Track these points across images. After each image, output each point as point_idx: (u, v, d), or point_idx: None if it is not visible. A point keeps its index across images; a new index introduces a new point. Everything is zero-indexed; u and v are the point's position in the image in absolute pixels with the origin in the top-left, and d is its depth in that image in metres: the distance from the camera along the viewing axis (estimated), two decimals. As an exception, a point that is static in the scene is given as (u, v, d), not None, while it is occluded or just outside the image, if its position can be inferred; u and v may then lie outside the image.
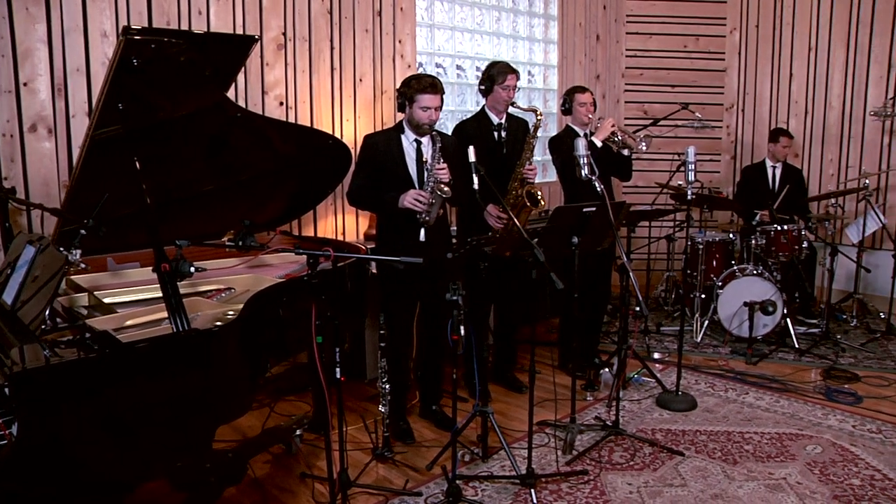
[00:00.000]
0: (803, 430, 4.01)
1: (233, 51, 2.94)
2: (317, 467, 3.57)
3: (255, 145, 3.38)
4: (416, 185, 3.77)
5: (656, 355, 5.33)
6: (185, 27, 4.09)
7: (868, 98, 6.55)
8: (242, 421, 3.90)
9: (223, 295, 3.21)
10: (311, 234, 4.80)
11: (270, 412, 4.14)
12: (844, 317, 6.17)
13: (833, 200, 6.02)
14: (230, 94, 3.18)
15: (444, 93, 3.75)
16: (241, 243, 2.80)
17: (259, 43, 4.37)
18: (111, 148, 2.68)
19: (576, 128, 4.68)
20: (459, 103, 5.75)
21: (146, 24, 3.96)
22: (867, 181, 5.75)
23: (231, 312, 2.86)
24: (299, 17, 4.63)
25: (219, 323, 2.73)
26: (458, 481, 3.24)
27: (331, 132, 4.71)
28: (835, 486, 3.39)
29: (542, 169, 6.49)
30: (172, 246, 2.58)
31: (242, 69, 4.20)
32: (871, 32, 6.48)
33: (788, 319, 5.46)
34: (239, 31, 4.32)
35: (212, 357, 2.46)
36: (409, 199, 3.65)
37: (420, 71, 5.39)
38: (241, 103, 4.27)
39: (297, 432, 3.75)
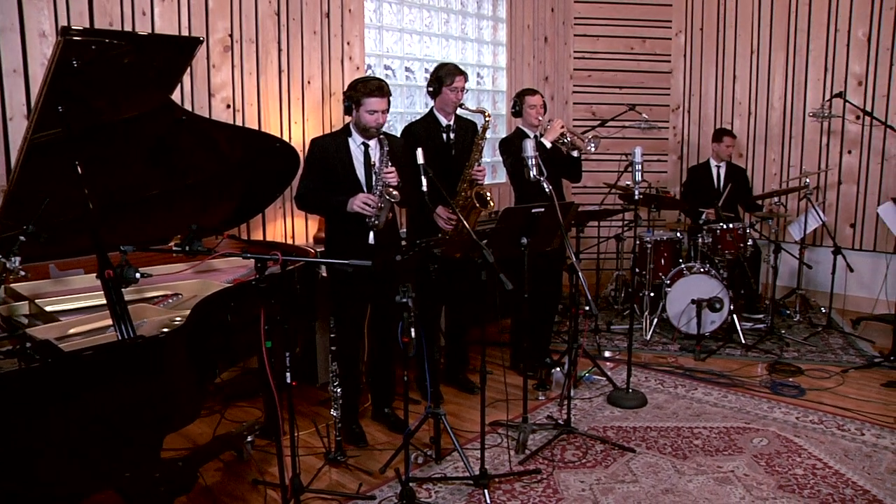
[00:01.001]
0: (750, 423, 4.10)
1: (177, 53, 2.88)
2: (269, 473, 3.53)
3: (202, 148, 3.34)
4: (365, 189, 3.76)
5: (607, 353, 5.39)
6: (128, 28, 4.01)
7: (807, 99, 6.73)
8: (192, 428, 3.83)
9: (170, 301, 3.16)
10: (261, 237, 4.74)
11: (221, 418, 4.08)
12: (788, 312, 6.31)
13: (776, 199, 6.17)
14: (175, 96, 3.13)
15: (391, 95, 3.75)
16: (187, 248, 2.76)
17: (204, 45, 4.31)
18: (51, 151, 2.61)
19: (526, 129, 4.71)
20: (408, 105, 5.75)
21: (87, 25, 3.87)
22: (808, 180, 5.90)
23: (178, 318, 2.81)
24: (246, 18, 4.57)
25: (165, 329, 2.69)
26: (411, 483, 3.24)
27: (279, 135, 4.66)
28: (780, 476, 3.48)
29: (492, 170, 6.53)
30: (117, 252, 2.53)
31: (188, 71, 4.14)
32: (808, 36, 6.67)
33: (735, 316, 5.59)
34: (184, 32, 4.25)
35: (158, 364, 2.42)
36: (358, 203, 3.64)
37: (369, 73, 5.37)
38: (188, 106, 4.20)
39: (249, 438, 3.70)
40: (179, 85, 3.99)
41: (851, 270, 5.94)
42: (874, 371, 4.94)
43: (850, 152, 6.54)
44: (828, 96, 6.46)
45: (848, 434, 3.95)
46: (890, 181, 6.32)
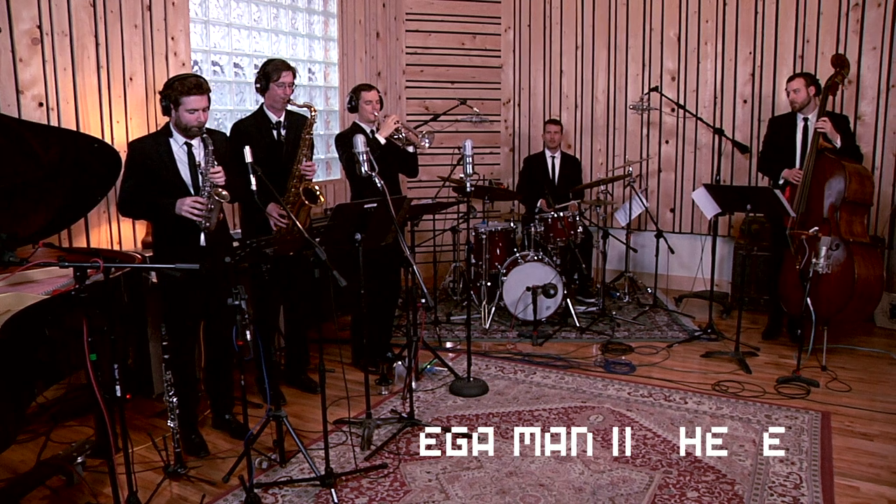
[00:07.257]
0: (586, 402, 4.29)
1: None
2: (103, 495, 3.32)
3: (10, 151, 3.09)
4: (192, 191, 3.62)
5: (448, 344, 5.48)
6: None
7: (628, 93, 7.12)
8: (12, 455, 3.58)
9: (-23, 318, 2.90)
10: (84, 244, 4.45)
11: (46, 441, 3.78)
12: (618, 294, 6.67)
13: (603, 187, 6.49)
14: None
15: (210, 92, 3.61)
16: (-5, 260, 2.56)
17: (7, 36, 3.97)
18: None
19: (362, 125, 4.69)
20: (238, 102, 5.57)
21: None
22: (631, 169, 6.24)
23: (-13, 337, 2.59)
24: (56, 8, 4.24)
25: (-30, 350, 2.47)
26: (256, 490, 3.18)
27: (100, 135, 4.39)
28: (615, 449, 3.67)
29: (326, 166, 6.46)
30: None
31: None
32: (627, 35, 7.05)
33: (569, 300, 5.82)
34: (-19, 21, 3.91)
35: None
36: (187, 208, 3.50)
37: (195, 69, 5.16)
38: (-9, 105, 3.88)
39: (79, 460, 3.46)
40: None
41: (672, 252, 6.36)
42: (695, 344, 5.32)
43: (667, 142, 6.98)
44: (646, 90, 6.86)
45: (674, 404, 4.23)
46: (702, 168, 6.81)
